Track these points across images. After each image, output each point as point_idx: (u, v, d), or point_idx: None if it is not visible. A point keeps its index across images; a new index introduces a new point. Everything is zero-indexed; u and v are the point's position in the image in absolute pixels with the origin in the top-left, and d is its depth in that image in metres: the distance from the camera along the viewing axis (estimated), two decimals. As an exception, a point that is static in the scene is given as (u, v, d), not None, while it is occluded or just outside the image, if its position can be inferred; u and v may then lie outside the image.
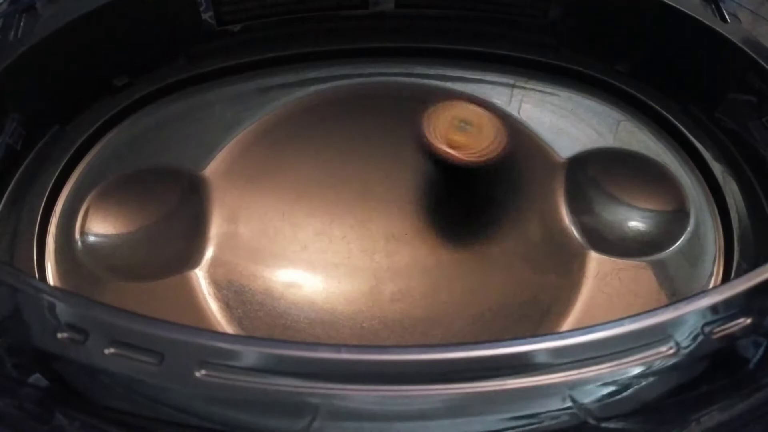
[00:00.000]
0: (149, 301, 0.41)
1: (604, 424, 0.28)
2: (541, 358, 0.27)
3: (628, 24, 0.53)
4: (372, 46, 0.56)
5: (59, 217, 0.45)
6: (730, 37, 0.48)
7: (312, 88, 0.54)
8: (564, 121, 0.52)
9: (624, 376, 0.28)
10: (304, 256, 0.44)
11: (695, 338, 0.28)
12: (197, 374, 0.26)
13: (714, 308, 0.28)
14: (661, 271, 0.44)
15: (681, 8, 0.50)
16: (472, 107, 0.45)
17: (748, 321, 0.28)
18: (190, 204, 0.46)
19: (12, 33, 0.47)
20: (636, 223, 0.46)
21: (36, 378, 0.30)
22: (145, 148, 0.50)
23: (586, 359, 0.27)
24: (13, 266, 0.40)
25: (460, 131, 0.44)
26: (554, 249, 0.45)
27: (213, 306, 0.41)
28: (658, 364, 0.27)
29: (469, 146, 0.44)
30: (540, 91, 0.55)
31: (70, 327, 0.27)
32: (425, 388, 0.26)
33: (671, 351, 0.27)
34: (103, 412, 0.29)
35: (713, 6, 0.50)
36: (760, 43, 0.47)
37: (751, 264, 0.44)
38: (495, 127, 0.44)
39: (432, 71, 0.55)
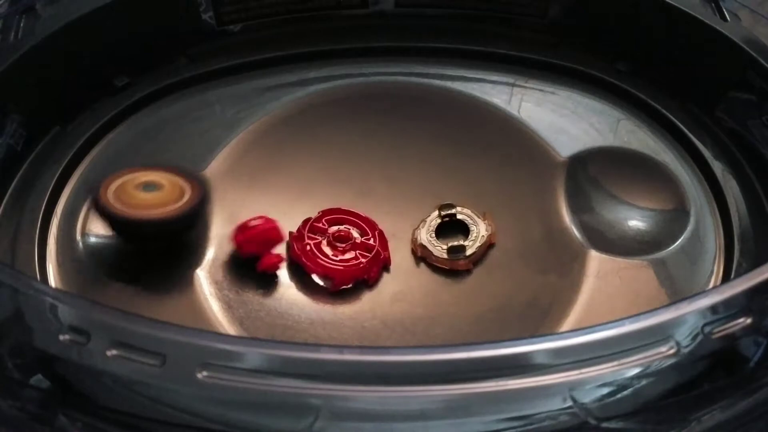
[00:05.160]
0: (150, 302, 0.41)
1: (604, 424, 0.28)
2: (542, 359, 0.27)
3: (628, 22, 0.53)
4: (372, 46, 0.56)
5: (60, 217, 0.45)
6: (730, 35, 0.48)
7: (312, 88, 0.54)
8: (564, 119, 0.52)
9: (624, 376, 0.28)
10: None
11: (695, 338, 0.28)
12: (199, 376, 0.26)
13: (714, 308, 0.28)
14: (661, 269, 0.44)
15: (681, 7, 0.50)
16: (157, 173, 0.43)
17: (748, 321, 0.28)
18: (190, 204, 0.46)
19: (12, 34, 0.47)
20: (636, 222, 0.46)
21: (38, 379, 0.30)
22: (145, 148, 0.50)
23: (586, 359, 0.27)
24: (14, 268, 0.40)
25: (144, 192, 0.41)
26: (554, 248, 0.45)
27: (214, 306, 0.41)
28: (658, 364, 0.28)
29: (153, 204, 0.41)
30: (540, 90, 0.55)
31: (72, 329, 0.27)
32: (427, 389, 0.26)
33: (671, 351, 0.27)
34: (105, 413, 0.29)
35: (713, 4, 0.50)
36: (760, 41, 0.47)
37: (751, 263, 0.44)
38: (181, 187, 0.42)
39: (432, 70, 0.55)
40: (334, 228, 0.44)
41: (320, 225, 0.44)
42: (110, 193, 0.41)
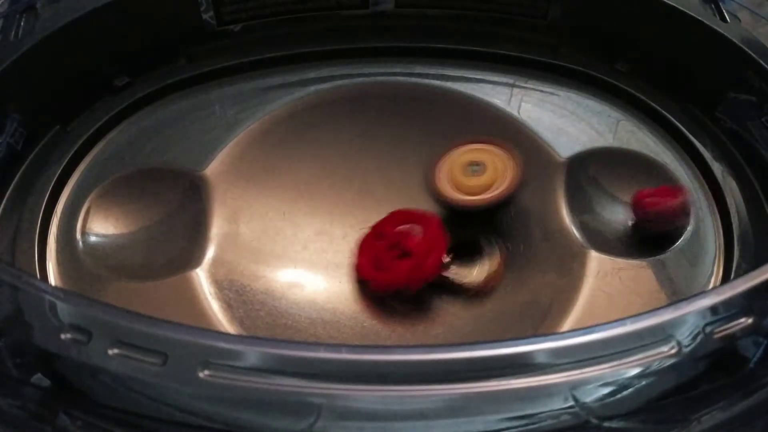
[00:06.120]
0: (150, 301, 0.41)
1: (606, 424, 0.28)
2: (543, 358, 0.27)
3: (628, 23, 0.53)
4: (372, 46, 0.56)
5: (60, 217, 0.45)
6: (729, 36, 0.48)
7: (312, 88, 0.54)
8: (564, 120, 0.52)
9: (625, 376, 0.28)
10: (305, 255, 0.44)
11: (696, 338, 0.28)
12: (201, 374, 0.26)
13: (715, 308, 0.28)
14: (661, 270, 0.44)
15: (681, 8, 0.50)
16: (481, 147, 0.45)
17: (749, 321, 0.28)
18: (190, 204, 0.46)
19: (12, 33, 0.47)
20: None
21: (38, 378, 0.30)
22: (145, 148, 0.50)
23: (587, 359, 0.27)
24: (15, 266, 0.40)
25: (471, 174, 0.44)
26: (554, 248, 0.45)
27: (214, 306, 0.41)
28: (659, 364, 0.28)
29: (480, 188, 0.43)
30: (540, 91, 0.55)
31: (73, 327, 0.27)
32: (428, 388, 0.26)
33: (672, 351, 0.27)
34: (105, 411, 0.29)
35: (713, 5, 0.50)
36: (760, 42, 0.47)
37: (751, 264, 0.44)
38: (503, 162, 0.44)
39: (432, 71, 0.55)
40: (396, 231, 0.43)
41: (386, 227, 0.43)
42: (442, 177, 0.44)
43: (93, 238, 0.44)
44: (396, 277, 0.41)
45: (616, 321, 0.27)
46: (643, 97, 0.53)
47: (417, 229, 0.42)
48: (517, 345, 0.27)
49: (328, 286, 0.43)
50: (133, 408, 0.29)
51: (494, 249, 0.43)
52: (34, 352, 0.29)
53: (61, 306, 0.28)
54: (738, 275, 0.43)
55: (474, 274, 0.43)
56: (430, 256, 0.41)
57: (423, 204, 0.46)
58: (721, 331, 0.28)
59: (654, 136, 0.51)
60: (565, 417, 0.28)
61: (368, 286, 0.42)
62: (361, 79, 0.55)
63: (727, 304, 0.29)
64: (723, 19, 0.49)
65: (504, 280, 0.43)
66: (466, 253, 0.43)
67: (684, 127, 0.51)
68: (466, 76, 0.55)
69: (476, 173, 0.44)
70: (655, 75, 0.53)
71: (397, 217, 0.44)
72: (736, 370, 0.31)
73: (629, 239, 0.45)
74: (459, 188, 0.44)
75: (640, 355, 0.27)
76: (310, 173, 0.49)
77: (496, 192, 0.43)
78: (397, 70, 0.56)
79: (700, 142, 0.50)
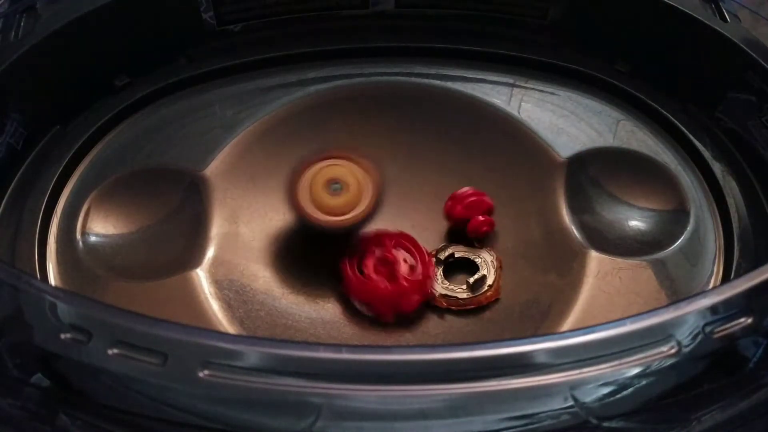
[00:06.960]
0: (150, 301, 0.41)
1: (605, 424, 0.28)
2: (543, 358, 0.27)
3: (628, 23, 0.53)
4: (372, 46, 0.56)
5: (60, 217, 0.45)
6: (730, 36, 0.48)
7: (312, 88, 0.54)
8: (564, 120, 0.52)
9: (625, 376, 0.28)
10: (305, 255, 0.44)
11: (696, 338, 0.28)
12: (200, 374, 0.26)
13: (714, 308, 0.28)
14: (661, 270, 0.44)
15: (681, 7, 0.50)
16: (340, 162, 0.43)
17: (749, 321, 0.28)
18: (190, 204, 0.46)
19: (12, 33, 0.47)
20: (636, 223, 0.46)
21: (38, 378, 0.30)
22: (145, 148, 0.50)
23: (587, 359, 0.27)
24: (15, 267, 0.40)
25: (331, 193, 0.42)
26: (554, 248, 0.45)
27: (214, 306, 0.41)
28: (659, 364, 0.28)
29: (340, 209, 0.42)
30: (540, 91, 0.55)
31: (73, 328, 0.27)
32: (427, 388, 0.26)
33: (672, 351, 0.27)
34: (105, 411, 0.29)
35: (713, 5, 0.50)
36: (760, 42, 0.47)
37: (751, 263, 0.44)
38: (362, 179, 0.43)
39: (432, 71, 0.55)
40: (380, 251, 0.43)
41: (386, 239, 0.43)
42: (302, 192, 0.42)
43: (93, 238, 0.44)
44: (374, 292, 0.41)
45: (616, 321, 0.27)
46: (643, 97, 0.53)
47: (410, 261, 0.42)
48: (517, 345, 0.27)
49: (329, 286, 0.43)
50: (133, 408, 0.29)
51: (489, 266, 0.43)
52: (34, 352, 0.29)
53: (61, 306, 0.28)
54: (738, 275, 0.43)
55: (471, 293, 0.42)
56: (417, 294, 0.41)
57: (422, 203, 0.46)
58: (720, 331, 0.28)
59: (654, 136, 0.51)
60: (565, 417, 0.28)
61: (342, 282, 0.42)
62: (361, 79, 0.55)
63: (727, 303, 0.29)
64: (723, 19, 0.49)
65: (503, 280, 0.43)
66: (462, 272, 0.44)
67: (684, 127, 0.51)
68: (466, 76, 0.55)
69: (337, 192, 0.42)
70: (655, 75, 0.53)
71: (400, 240, 0.43)
72: (736, 370, 0.30)
73: (629, 239, 0.45)
74: (320, 207, 0.42)
75: (640, 355, 0.27)
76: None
77: (357, 213, 0.42)
78: (397, 69, 0.56)
79: (700, 141, 0.50)
